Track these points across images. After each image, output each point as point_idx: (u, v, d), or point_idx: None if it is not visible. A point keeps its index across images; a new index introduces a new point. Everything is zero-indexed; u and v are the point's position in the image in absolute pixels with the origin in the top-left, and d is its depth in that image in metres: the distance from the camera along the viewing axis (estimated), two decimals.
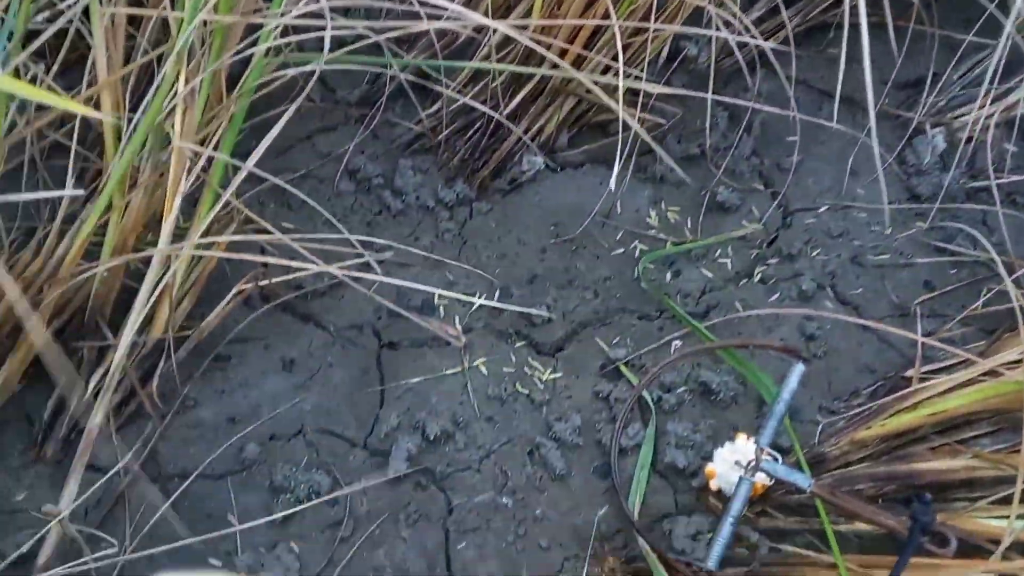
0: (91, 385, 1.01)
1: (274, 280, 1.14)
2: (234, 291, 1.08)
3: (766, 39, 1.32)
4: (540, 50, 1.03)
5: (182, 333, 1.07)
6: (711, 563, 0.89)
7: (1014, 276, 1.13)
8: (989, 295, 1.13)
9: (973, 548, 0.84)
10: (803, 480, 0.88)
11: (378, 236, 1.25)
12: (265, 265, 1.20)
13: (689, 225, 1.30)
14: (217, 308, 1.08)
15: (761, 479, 0.93)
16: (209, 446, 1.05)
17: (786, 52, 1.31)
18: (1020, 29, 1.28)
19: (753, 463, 0.92)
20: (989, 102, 1.28)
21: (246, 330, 1.13)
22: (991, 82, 1.29)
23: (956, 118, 1.32)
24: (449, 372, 1.14)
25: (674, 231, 1.29)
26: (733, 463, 0.96)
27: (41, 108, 0.99)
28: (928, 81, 1.35)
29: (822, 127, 1.34)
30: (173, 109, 0.91)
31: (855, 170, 1.33)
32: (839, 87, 1.14)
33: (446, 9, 0.91)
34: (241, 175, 0.96)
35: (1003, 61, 1.27)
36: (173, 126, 0.90)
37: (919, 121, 1.32)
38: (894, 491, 0.94)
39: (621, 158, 1.14)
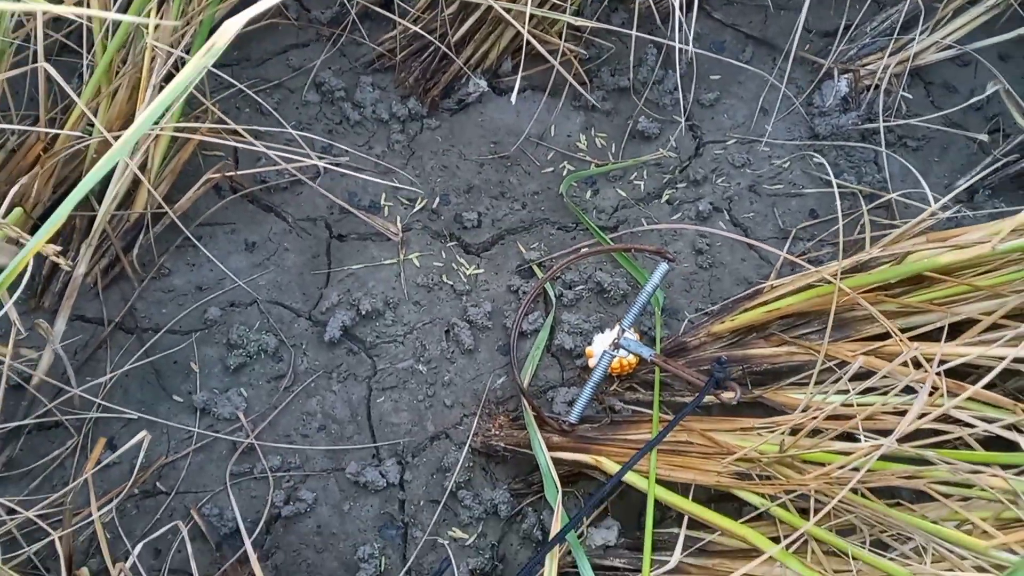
0: (81, 249, 1.21)
1: (240, 172, 1.32)
2: (204, 178, 1.27)
3: None
4: None
5: (160, 211, 1.27)
6: (572, 417, 1.09)
7: (871, 206, 1.29)
8: (856, 222, 1.29)
9: (779, 413, 1.03)
10: (647, 352, 1.07)
11: (337, 143, 1.43)
12: (236, 161, 1.39)
13: (613, 150, 1.46)
14: (189, 192, 1.27)
15: (622, 355, 1.13)
16: (179, 308, 1.26)
17: None
18: None
19: (616, 340, 1.11)
20: (888, 52, 1.42)
21: (216, 215, 1.32)
22: (893, 34, 1.43)
23: (863, 66, 1.46)
24: (387, 262, 1.33)
25: (599, 154, 1.46)
26: (608, 345, 1.16)
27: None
28: (840, 30, 1.48)
29: (743, 69, 1.49)
30: (150, 12, 1.08)
31: (766, 109, 1.48)
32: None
33: None
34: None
35: (903, 16, 1.41)
36: (147, 28, 1.08)
37: (829, 67, 1.46)
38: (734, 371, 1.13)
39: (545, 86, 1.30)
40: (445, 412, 1.21)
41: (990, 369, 0.80)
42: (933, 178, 1.43)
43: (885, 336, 1.03)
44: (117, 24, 1.10)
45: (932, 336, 1.01)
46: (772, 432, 0.94)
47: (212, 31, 1.26)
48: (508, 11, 1.32)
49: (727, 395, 0.97)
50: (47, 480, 1.12)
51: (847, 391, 0.96)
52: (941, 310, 0.99)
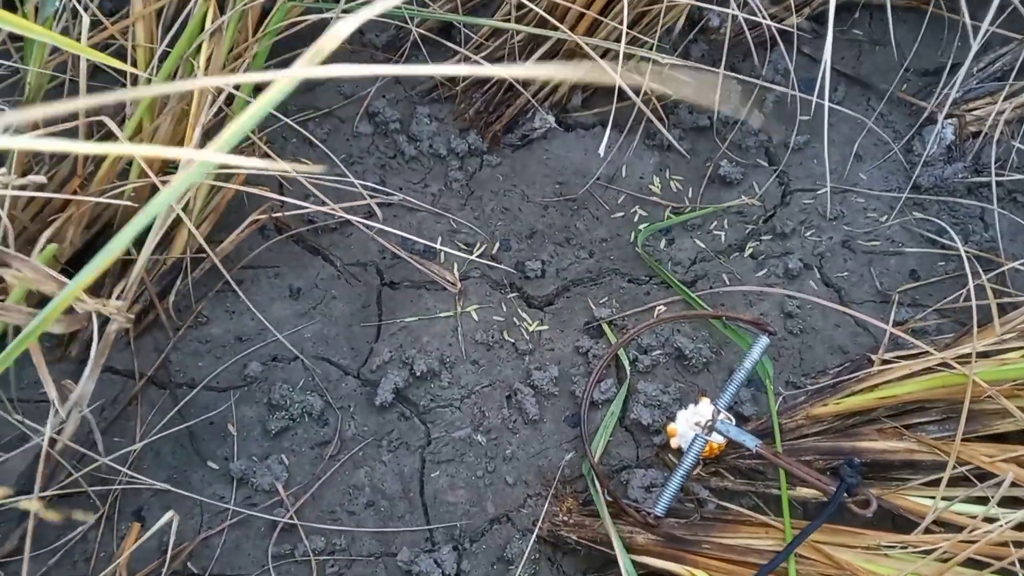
0: (114, 294, 1.10)
1: (287, 213, 1.21)
2: (249, 220, 1.16)
3: (793, 14, 1.34)
4: (547, 18, 1.06)
5: (199, 255, 1.16)
6: (658, 510, 0.96)
7: (992, 274, 1.16)
8: (963, 290, 1.16)
9: (903, 522, 0.90)
10: (751, 441, 0.94)
11: (390, 179, 1.32)
12: (282, 200, 1.28)
13: (690, 195, 1.34)
14: (232, 234, 1.16)
15: (715, 438, 1.00)
16: (216, 361, 1.15)
17: (812, 30, 1.32)
18: None
19: (709, 422, 0.99)
20: (1003, 98, 1.28)
21: (259, 258, 1.21)
22: (1005, 77, 1.29)
23: (970, 111, 1.32)
24: (442, 315, 1.21)
25: (675, 199, 1.33)
26: (694, 424, 1.03)
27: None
28: (946, 71, 1.35)
29: (835, 110, 1.36)
30: (201, 45, 0.97)
31: (860, 154, 1.35)
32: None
33: None
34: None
35: (1020, 60, 1.27)
36: (198, 61, 0.97)
37: (931, 111, 1.32)
38: (839, 465, 1.00)
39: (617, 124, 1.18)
40: (507, 491, 1.09)
41: None
42: None
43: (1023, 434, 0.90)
44: (165, 53, 0.99)
45: None
46: (907, 550, 0.81)
47: (268, 65, 1.15)
48: (586, 44, 1.20)
49: (861, 509, 0.84)
50: (67, 556, 1.01)
51: (985, 502, 0.83)
52: None
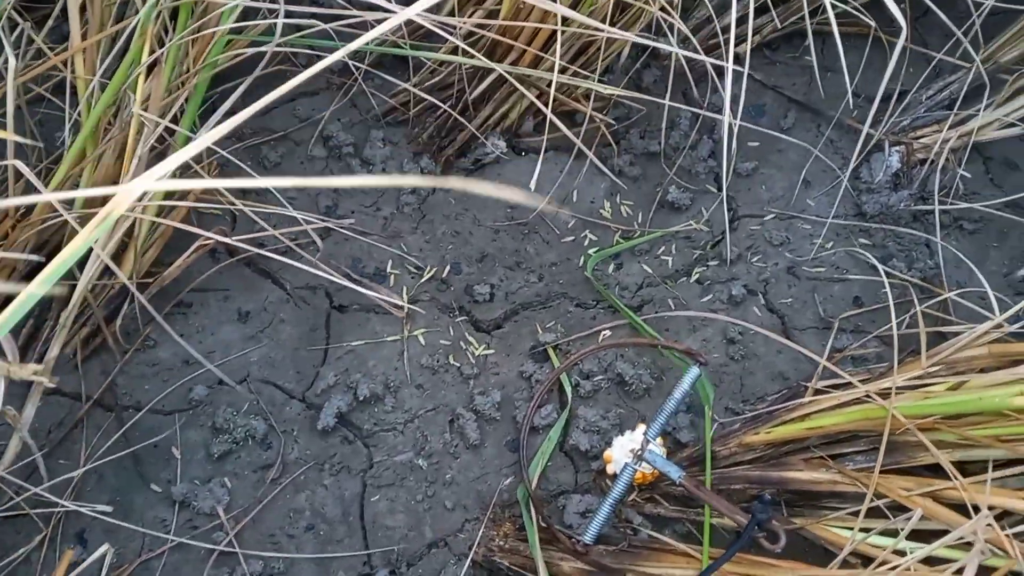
0: (61, 319, 1.11)
1: (237, 238, 1.23)
2: (195, 245, 1.17)
3: (741, 43, 1.35)
4: (480, 60, 1.08)
5: (146, 280, 1.17)
6: (587, 537, 0.98)
7: (932, 302, 1.17)
8: (902, 318, 1.17)
9: (822, 552, 0.91)
10: (675, 472, 0.96)
11: (343, 202, 1.33)
12: (234, 220, 1.30)
13: (639, 219, 1.35)
14: (180, 259, 1.18)
15: (645, 467, 1.01)
16: (163, 384, 1.16)
17: (764, 56, 1.33)
18: (985, 60, 1.29)
19: (639, 451, 1.00)
20: (948, 126, 1.30)
21: (209, 280, 1.23)
22: (951, 106, 1.31)
23: (917, 139, 1.34)
24: (389, 339, 1.23)
25: (625, 223, 1.35)
26: (628, 451, 1.04)
27: (30, 64, 1.08)
28: (894, 98, 1.36)
29: (779, 137, 1.37)
30: (137, 77, 0.99)
31: (808, 180, 1.36)
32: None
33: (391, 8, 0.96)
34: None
35: (964, 87, 1.29)
36: (136, 92, 0.98)
37: (879, 138, 1.34)
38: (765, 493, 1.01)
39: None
40: (445, 516, 1.10)
41: None
42: (991, 265, 1.31)
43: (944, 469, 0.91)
44: (105, 84, 1.00)
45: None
46: None
47: (205, 98, 1.17)
48: (528, 75, 1.21)
49: (771, 544, 0.85)
50: None
51: (897, 534, 0.84)
52: (1007, 448, 0.87)
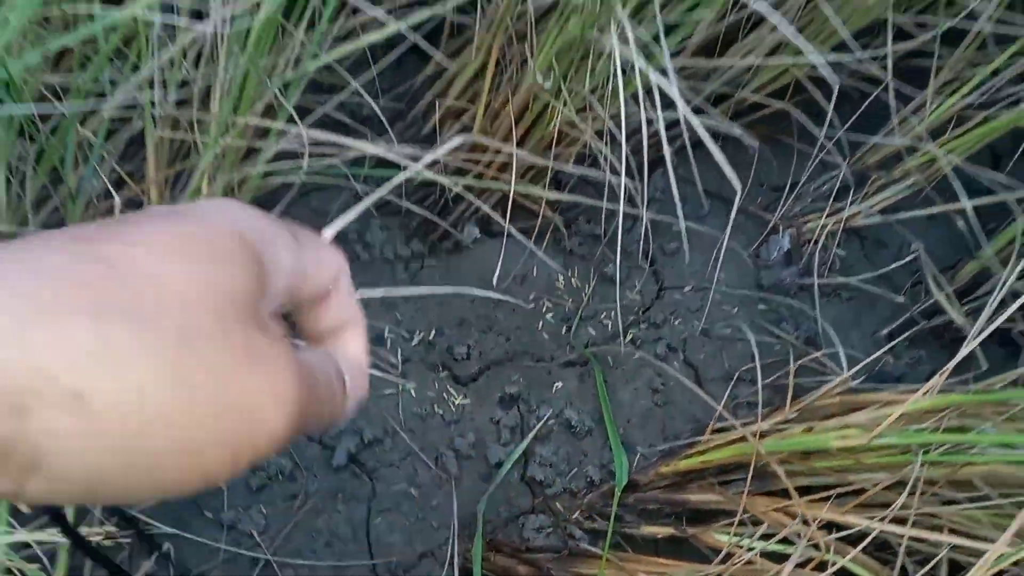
0: None
1: None
2: None
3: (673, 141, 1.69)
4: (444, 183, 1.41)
5: None
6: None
7: (807, 359, 1.51)
8: (788, 370, 1.51)
9: (707, 554, 1.25)
10: None
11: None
12: None
13: (587, 290, 1.69)
14: None
15: None
16: None
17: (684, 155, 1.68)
18: (855, 162, 1.64)
19: None
20: (826, 214, 1.64)
21: None
22: (830, 197, 1.65)
23: (804, 223, 1.68)
24: (387, 392, 1.56)
25: (575, 294, 1.68)
26: None
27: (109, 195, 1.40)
28: (786, 189, 1.71)
29: (702, 220, 1.71)
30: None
31: (718, 259, 1.71)
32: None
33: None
34: None
35: (838, 182, 1.64)
36: None
37: (775, 223, 1.68)
38: (674, 511, 1.35)
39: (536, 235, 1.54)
40: (433, 533, 1.43)
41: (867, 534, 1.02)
42: (865, 327, 1.65)
43: (800, 491, 1.25)
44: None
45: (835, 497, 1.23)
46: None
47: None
48: (489, 188, 1.55)
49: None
50: None
51: (758, 539, 1.18)
52: (835, 476, 1.21)
